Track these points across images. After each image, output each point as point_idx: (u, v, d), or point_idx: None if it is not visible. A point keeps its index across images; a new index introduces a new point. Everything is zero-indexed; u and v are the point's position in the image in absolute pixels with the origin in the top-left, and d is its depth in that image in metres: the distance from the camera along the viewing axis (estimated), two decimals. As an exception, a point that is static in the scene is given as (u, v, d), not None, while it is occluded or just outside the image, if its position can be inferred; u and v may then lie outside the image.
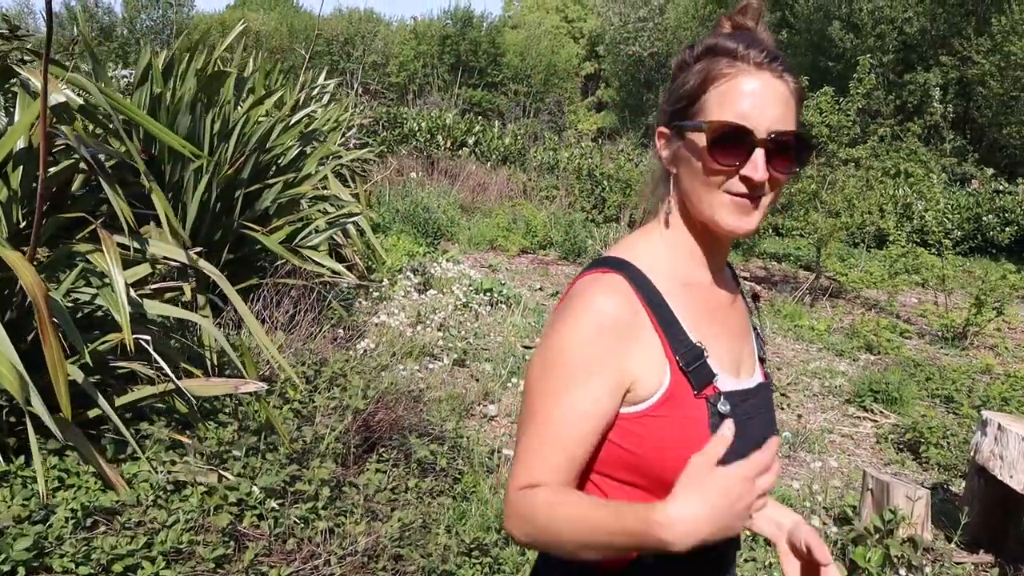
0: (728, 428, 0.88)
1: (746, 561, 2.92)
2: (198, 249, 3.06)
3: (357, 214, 5.30)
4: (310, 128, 5.38)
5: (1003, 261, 13.09)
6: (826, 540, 3.18)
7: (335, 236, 5.49)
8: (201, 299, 3.18)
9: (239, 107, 4.56)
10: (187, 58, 4.07)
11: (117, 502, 2.30)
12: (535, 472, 0.98)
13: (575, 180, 12.76)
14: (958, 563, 3.30)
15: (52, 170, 2.67)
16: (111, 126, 2.77)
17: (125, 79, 6.22)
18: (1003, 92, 17.96)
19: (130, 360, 2.64)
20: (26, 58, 3.31)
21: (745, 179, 0.99)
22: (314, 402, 3.13)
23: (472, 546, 2.67)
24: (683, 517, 0.82)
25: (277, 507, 2.46)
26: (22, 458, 2.37)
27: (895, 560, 3.07)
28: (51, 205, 2.88)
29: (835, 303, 8.90)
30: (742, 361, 1.12)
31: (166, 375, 2.55)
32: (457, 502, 3.06)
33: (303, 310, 4.16)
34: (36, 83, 2.56)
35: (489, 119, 20.75)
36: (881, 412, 5.38)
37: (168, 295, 3.04)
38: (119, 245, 2.82)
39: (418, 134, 14.71)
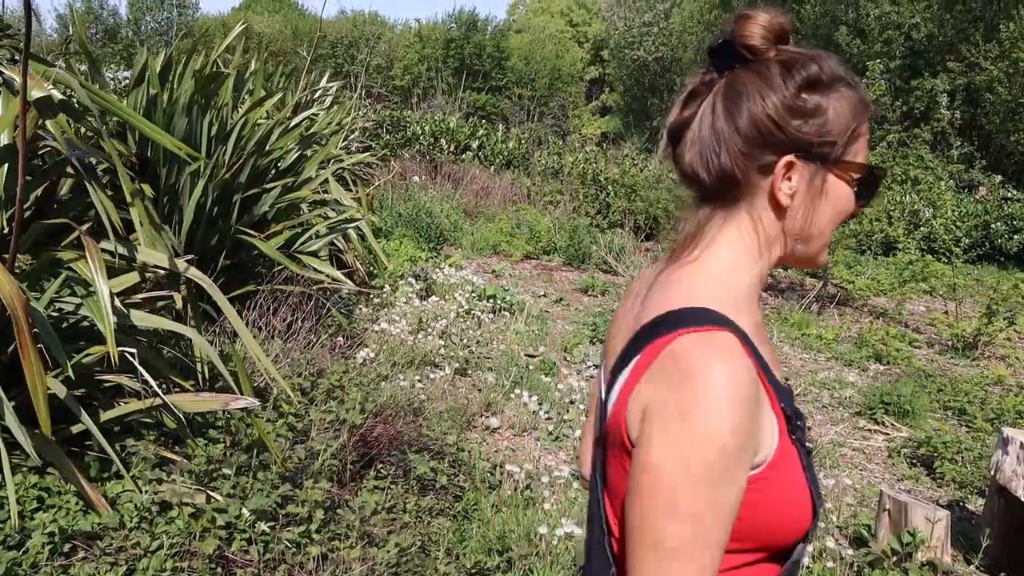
0: None
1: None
2: (189, 256, 2.94)
3: (358, 219, 5.18)
4: (311, 131, 5.27)
5: (1012, 269, 12.95)
6: (841, 562, 3.06)
7: (336, 241, 5.38)
8: (193, 309, 3.07)
9: (238, 109, 4.45)
10: (185, 59, 3.97)
11: (98, 525, 2.18)
12: None
13: (579, 185, 12.64)
14: (979, 588, 3.18)
15: (30, 178, 2.55)
16: (102, 127, 2.66)
17: (126, 80, 6.13)
18: (1011, 98, 17.83)
19: (116, 373, 2.52)
20: (16, 57, 3.21)
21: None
22: (309, 416, 3.01)
23: (473, 571, 2.54)
24: None
25: (268, 530, 2.33)
26: None
27: (914, 585, 2.94)
28: (36, 210, 2.77)
29: (843, 311, 8.76)
30: None
31: (154, 390, 2.43)
32: (458, 522, 2.94)
33: (301, 318, 4.05)
34: (20, 81, 2.45)
35: (493, 123, 20.67)
36: (893, 425, 5.24)
37: (160, 304, 2.93)
38: (107, 252, 2.71)
39: (421, 138, 14.60)
